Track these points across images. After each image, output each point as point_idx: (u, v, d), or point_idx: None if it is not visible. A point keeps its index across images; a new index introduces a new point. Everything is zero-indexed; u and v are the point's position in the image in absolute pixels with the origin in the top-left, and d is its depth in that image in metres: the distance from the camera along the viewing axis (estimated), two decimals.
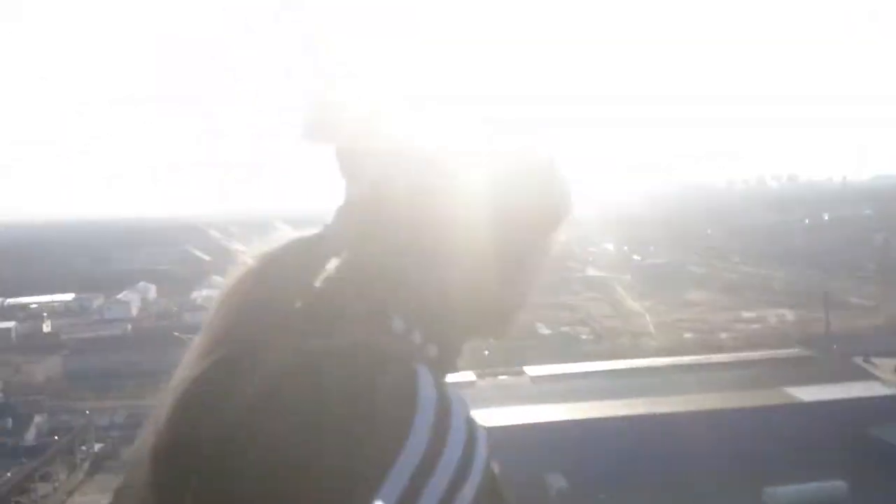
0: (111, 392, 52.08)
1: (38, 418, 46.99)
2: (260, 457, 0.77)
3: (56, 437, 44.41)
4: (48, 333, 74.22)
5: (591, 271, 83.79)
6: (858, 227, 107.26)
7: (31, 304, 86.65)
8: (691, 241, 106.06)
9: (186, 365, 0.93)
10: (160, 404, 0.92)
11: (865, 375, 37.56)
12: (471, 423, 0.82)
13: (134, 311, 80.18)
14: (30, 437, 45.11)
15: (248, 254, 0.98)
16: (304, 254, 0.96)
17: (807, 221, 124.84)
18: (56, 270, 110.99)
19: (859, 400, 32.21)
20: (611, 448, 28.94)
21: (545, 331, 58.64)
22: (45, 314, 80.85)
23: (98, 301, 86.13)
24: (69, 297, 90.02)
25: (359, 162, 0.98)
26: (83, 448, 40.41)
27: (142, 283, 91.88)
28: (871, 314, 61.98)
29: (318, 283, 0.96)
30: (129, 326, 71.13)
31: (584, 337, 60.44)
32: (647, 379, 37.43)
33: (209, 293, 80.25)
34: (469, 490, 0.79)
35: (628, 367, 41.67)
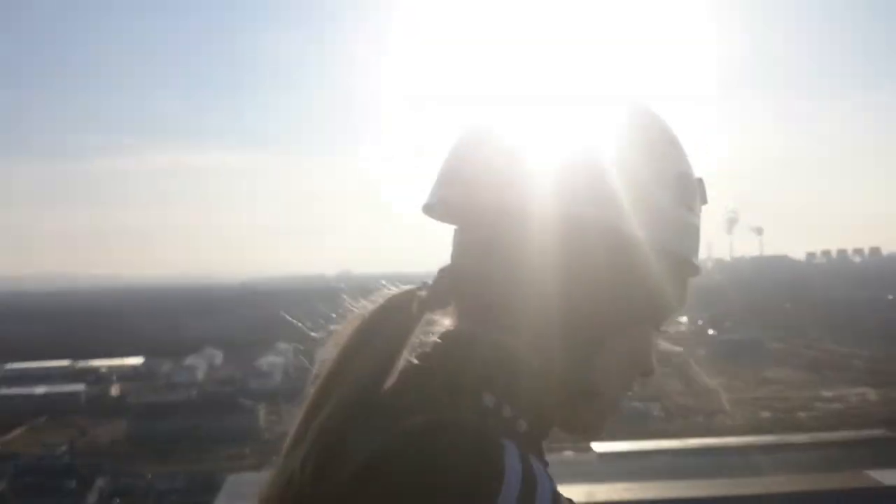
0: (173, 456, 52.15)
1: (100, 481, 47.23)
2: None
3: (117, 500, 44.49)
4: (116, 397, 75.29)
5: (663, 345, 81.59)
6: None
7: (102, 367, 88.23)
8: (769, 315, 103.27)
9: (299, 423, 0.96)
10: (266, 478, 0.95)
11: None
12: (556, 499, 0.82)
13: (200, 377, 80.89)
14: (91, 499, 45.31)
15: (355, 311, 1.00)
16: (405, 312, 0.98)
17: (890, 297, 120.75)
18: (127, 334, 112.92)
19: None
20: None
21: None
22: (114, 377, 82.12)
23: (166, 366, 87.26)
24: (138, 360, 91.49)
25: (465, 222, 1.00)
26: None
27: (209, 349, 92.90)
28: None
29: (414, 357, 0.97)
30: (195, 392, 71.59)
31: (655, 413, 58.71)
32: (721, 458, 35.90)
33: (274, 360, 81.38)
34: None
35: (701, 445, 40.23)
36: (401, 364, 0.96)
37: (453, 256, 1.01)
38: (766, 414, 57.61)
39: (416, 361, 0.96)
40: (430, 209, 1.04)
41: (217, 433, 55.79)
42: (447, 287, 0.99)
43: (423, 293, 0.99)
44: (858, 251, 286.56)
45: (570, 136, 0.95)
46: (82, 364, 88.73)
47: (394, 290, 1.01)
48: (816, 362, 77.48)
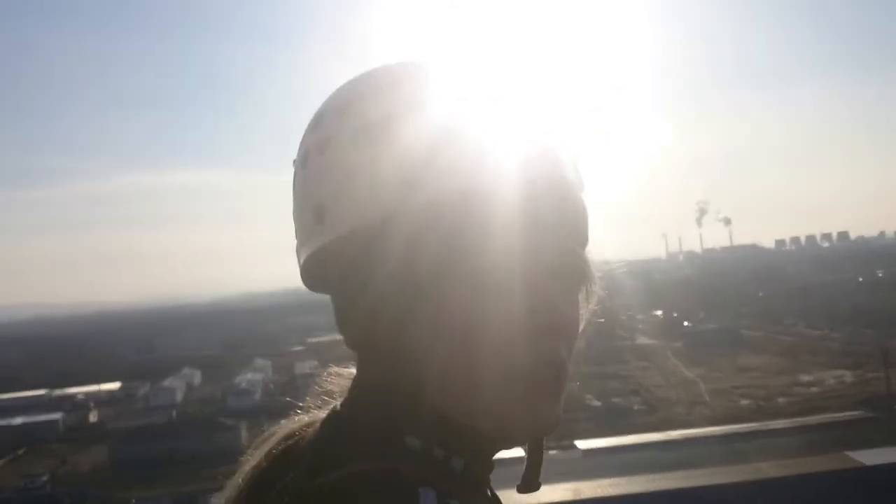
0: (156, 479, 51.76)
1: None
2: None
3: None
4: (94, 423, 74.64)
5: (641, 340, 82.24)
6: None
7: (79, 394, 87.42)
8: (743, 304, 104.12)
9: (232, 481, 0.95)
10: None
11: None
12: None
13: (179, 398, 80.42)
14: None
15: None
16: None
17: (860, 279, 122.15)
18: (103, 360, 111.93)
19: None
20: None
21: (595, 402, 57.39)
22: (91, 404, 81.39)
23: (144, 388, 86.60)
24: (116, 385, 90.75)
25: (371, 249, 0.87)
26: None
27: (186, 369, 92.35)
28: None
29: (332, 407, 0.92)
30: (174, 413, 71.15)
31: (636, 408, 59.03)
32: (704, 448, 36.12)
33: (253, 377, 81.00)
34: None
35: (683, 437, 40.43)
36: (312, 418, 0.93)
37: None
38: (745, 402, 57.99)
39: (335, 411, 0.90)
40: (308, 285, 0.97)
41: (199, 454, 55.40)
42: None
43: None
44: (826, 236, 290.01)
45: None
46: (59, 392, 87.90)
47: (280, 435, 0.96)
48: (792, 348, 78.08)
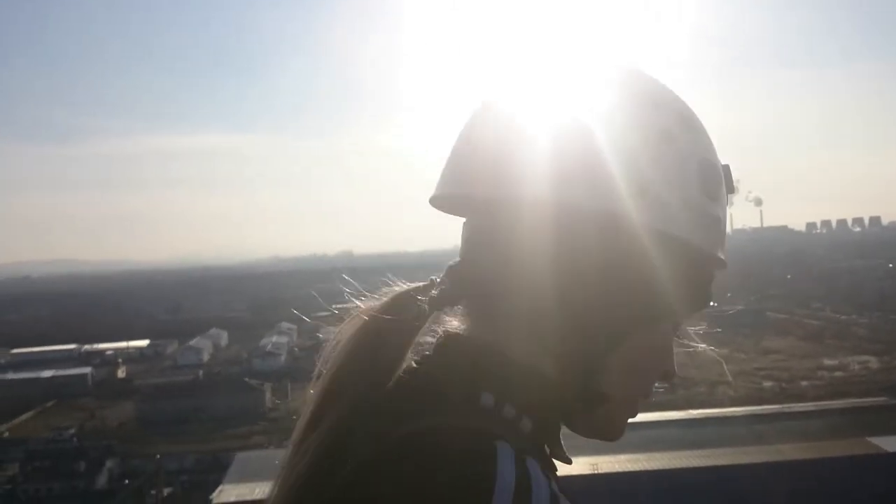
0: (181, 437, 52.64)
1: (109, 462, 47.78)
2: None
3: (127, 482, 44.98)
4: (122, 379, 75.76)
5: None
6: None
7: (108, 350, 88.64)
8: (770, 285, 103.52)
9: (302, 427, 0.93)
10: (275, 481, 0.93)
11: None
12: (555, 501, 0.79)
13: (206, 357, 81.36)
14: (101, 481, 45.90)
15: (359, 309, 0.96)
16: (410, 313, 0.94)
17: (891, 266, 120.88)
18: (132, 317, 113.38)
19: None
20: (688, 501, 27.79)
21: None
22: (120, 360, 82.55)
23: (172, 347, 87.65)
24: (144, 343, 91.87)
25: (467, 215, 0.98)
26: (153, 493, 40.50)
27: (213, 330, 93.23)
28: None
29: (415, 358, 0.93)
30: (201, 372, 72.04)
31: (657, 386, 59.01)
32: (725, 429, 36.08)
33: (278, 340, 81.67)
34: None
35: (704, 416, 40.37)
36: (404, 366, 0.92)
37: (460, 252, 0.98)
38: (768, 384, 57.88)
39: (414, 364, 0.92)
40: (436, 201, 1.01)
41: (224, 413, 56.22)
42: (452, 286, 0.95)
43: (430, 292, 0.95)
44: (858, 221, 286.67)
45: (569, 119, 0.89)
46: (88, 347, 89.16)
47: (399, 288, 0.97)
48: (818, 331, 77.73)
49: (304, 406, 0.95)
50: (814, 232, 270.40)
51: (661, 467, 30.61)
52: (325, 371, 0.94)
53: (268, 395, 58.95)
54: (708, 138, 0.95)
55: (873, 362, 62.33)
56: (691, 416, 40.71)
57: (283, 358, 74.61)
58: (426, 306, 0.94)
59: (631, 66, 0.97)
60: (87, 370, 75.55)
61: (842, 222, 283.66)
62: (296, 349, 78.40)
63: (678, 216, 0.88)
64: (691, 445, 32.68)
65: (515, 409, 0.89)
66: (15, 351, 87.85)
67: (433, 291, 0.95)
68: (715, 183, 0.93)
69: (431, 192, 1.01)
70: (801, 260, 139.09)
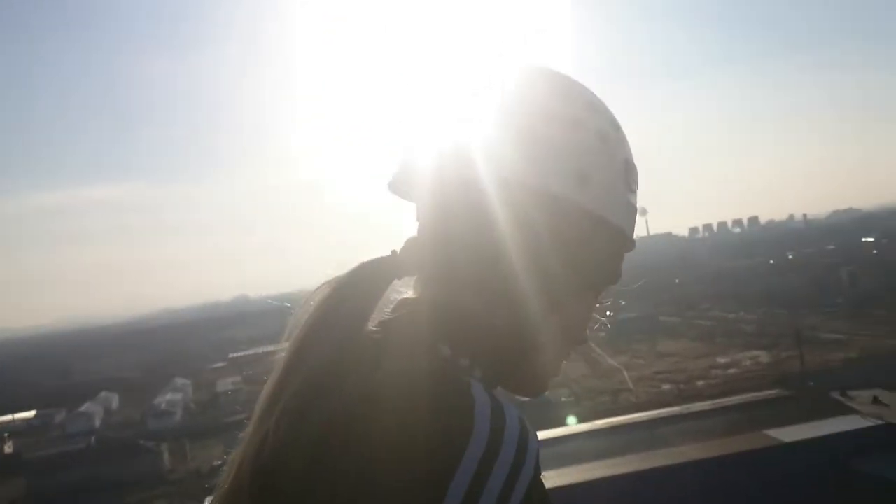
0: None
1: None
2: (342, 469, 0.87)
3: None
4: (10, 454, 71.96)
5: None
6: (822, 264, 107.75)
7: None
8: (660, 291, 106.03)
9: (272, 385, 0.99)
10: (249, 422, 0.99)
11: (844, 409, 36.83)
12: (523, 421, 0.91)
13: (97, 423, 78.19)
14: None
15: (327, 279, 1.05)
16: (374, 280, 1.05)
17: (771, 262, 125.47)
18: (16, 388, 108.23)
19: (840, 435, 31.42)
20: None
21: (523, 397, 57.52)
22: (6, 434, 78.53)
23: (60, 416, 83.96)
24: (31, 414, 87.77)
25: (427, 192, 1.07)
26: None
27: (103, 393, 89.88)
28: (843, 347, 61.87)
29: (385, 315, 1.05)
30: (93, 439, 69.05)
31: (563, 399, 59.35)
32: (631, 435, 36.32)
33: (172, 397, 79.06)
34: (525, 478, 0.88)
35: (610, 425, 40.65)
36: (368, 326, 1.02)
37: (417, 227, 1.10)
38: (666, 386, 58.88)
39: (377, 325, 1.03)
40: (391, 187, 1.13)
41: (121, 479, 53.87)
42: (411, 256, 1.07)
43: (392, 262, 1.07)
44: (738, 222, 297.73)
45: (519, 112, 1.02)
46: None
47: (364, 259, 1.07)
48: (709, 332, 79.81)
49: (273, 371, 1.00)
50: (697, 236, 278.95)
51: (572, 482, 30.58)
52: (292, 336, 1.02)
53: (165, 455, 56.86)
54: (628, 142, 1.11)
55: (763, 356, 64.19)
56: (597, 427, 40.97)
57: (178, 416, 72.32)
58: (388, 274, 1.06)
59: (568, 75, 1.10)
60: None
61: (722, 225, 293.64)
62: (192, 405, 76.22)
63: (612, 204, 1.05)
64: (599, 456, 32.78)
65: (470, 361, 1.01)
66: None
67: (394, 262, 1.07)
68: (635, 179, 1.10)
69: (388, 178, 1.13)
70: (688, 264, 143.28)
